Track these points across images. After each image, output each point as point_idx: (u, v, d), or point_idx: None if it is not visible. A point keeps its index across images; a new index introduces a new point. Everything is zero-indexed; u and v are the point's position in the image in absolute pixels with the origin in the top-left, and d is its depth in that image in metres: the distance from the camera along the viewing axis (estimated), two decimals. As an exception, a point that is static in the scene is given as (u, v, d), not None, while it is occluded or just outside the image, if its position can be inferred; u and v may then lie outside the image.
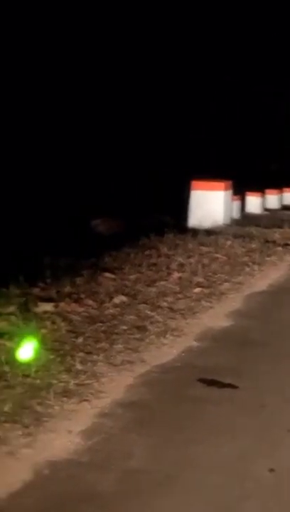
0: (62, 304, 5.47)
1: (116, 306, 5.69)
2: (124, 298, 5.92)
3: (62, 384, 3.93)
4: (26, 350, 4.29)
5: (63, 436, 3.36)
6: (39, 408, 3.60)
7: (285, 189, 19.77)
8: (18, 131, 12.89)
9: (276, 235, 11.00)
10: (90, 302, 5.66)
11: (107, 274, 6.72)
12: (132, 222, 10.81)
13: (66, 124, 13.98)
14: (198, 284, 6.84)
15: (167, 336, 5.08)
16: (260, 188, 17.50)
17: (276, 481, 3.05)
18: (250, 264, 8.22)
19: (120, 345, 4.74)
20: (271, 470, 3.12)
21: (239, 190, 15.09)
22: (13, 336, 4.50)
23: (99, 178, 13.40)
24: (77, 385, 3.96)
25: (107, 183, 13.43)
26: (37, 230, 9.60)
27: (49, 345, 4.52)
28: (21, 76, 13.08)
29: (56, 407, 3.64)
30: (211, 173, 12.61)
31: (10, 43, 12.84)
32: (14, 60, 12.99)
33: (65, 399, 3.75)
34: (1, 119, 12.11)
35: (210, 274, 7.38)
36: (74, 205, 11.57)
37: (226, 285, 7.02)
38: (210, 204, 12.22)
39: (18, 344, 4.36)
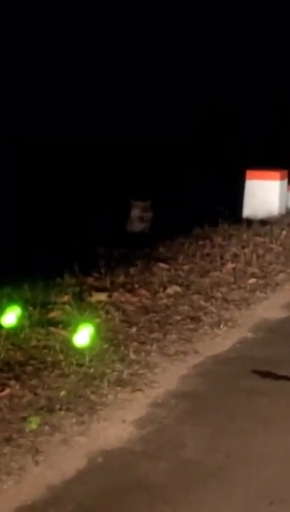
0: (116, 294, 5.49)
1: (169, 296, 5.68)
2: (177, 288, 5.90)
3: (115, 373, 3.95)
4: (81, 340, 4.32)
5: (116, 425, 3.38)
6: (93, 397, 3.63)
7: None
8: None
9: None
10: (144, 292, 5.66)
11: (161, 264, 6.71)
12: (186, 212, 10.76)
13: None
14: (253, 275, 6.77)
15: (221, 326, 5.05)
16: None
17: None
18: (306, 254, 8.10)
19: (174, 336, 4.74)
20: None
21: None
22: (67, 325, 4.54)
23: (150, 166, 13.40)
24: (131, 374, 3.97)
25: (160, 172, 13.40)
26: (88, 220, 9.67)
27: (103, 334, 4.55)
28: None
29: (110, 396, 3.66)
30: (266, 163, 12.46)
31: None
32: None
33: (118, 388, 3.77)
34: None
35: (264, 264, 7.30)
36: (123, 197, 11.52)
37: (281, 276, 6.93)
38: (264, 194, 12.06)
39: (72, 333, 4.40)
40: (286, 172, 12.21)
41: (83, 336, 4.37)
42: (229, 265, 7.02)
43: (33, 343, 4.29)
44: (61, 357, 4.07)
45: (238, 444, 3.25)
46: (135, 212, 10.59)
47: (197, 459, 3.11)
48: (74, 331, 4.43)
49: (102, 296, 5.37)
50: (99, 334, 4.53)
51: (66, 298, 5.19)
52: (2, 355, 4.06)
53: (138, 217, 10.58)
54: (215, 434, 3.36)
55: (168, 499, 2.77)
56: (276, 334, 5.05)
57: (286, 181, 12.47)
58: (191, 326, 4.98)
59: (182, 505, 2.73)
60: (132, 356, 4.24)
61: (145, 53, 15.21)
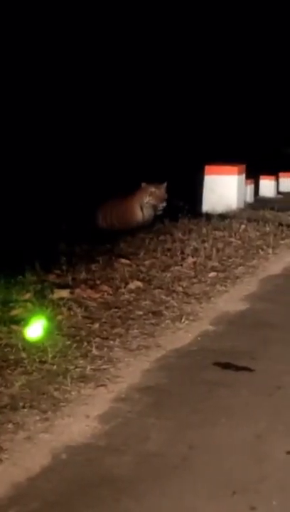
0: (77, 291, 5.50)
1: (131, 291, 5.71)
2: (139, 283, 5.94)
3: (78, 369, 3.96)
4: (43, 337, 4.32)
5: (80, 420, 3.39)
6: (56, 393, 3.63)
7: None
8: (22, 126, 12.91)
9: (290, 218, 10.97)
10: (106, 288, 5.68)
11: (122, 260, 6.74)
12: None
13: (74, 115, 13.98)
14: (213, 269, 6.84)
15: (182, 320, 5.09)
16: (273, 171, 17.41)
17: (292, 462, 3.06)
18: (264, 247, 8.20)
19: (136, 331, 4.77)
20: (289, 452, 3.14)
21: (253, 174, 15.03)
22: (29, 323, 4.53)
23: (110, 163, 13.40)
24: (94, 370, 3.99)
25: (118, 168, 13.41)
26: (50, 218, 9.65)
27: (65, 331, 4.56)
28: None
29: (73, 393, 3.67)
30: (224, 158, 12.56)
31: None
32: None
33: (81, 384, 3.78)
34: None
35: (224, 258, 7.38)
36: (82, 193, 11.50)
37: (241, 269, 7.02)
38: (223, 188, 12.20)
39: (34, 331, 4.40)
40: (243, 166, 12.35)
41: (45, 333, 4.38)
42: (190, 259, 7.08)
43: (-5, 341, 4.28)
44: (23, 354, 4.07)
45: (201, 436, 3.29)
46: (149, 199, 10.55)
47: (162, 451, 3.14)
48: (36, 328, 4.42)
49: (64, 293, 5.37)
50: (62, 331, 4.54)
51: (28, 295, 5.18)
52: None
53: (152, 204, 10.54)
54: (179, 426, 3.39)
55: (133, 492, 2.79)
56: (237, 326, 5.11)
57: (243, 176, 12.61)
58: (153, 321, 5.01)
59: (147, 497, 2.75)
60: (95, 352, 4.26)
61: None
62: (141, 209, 10.73)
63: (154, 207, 10.69)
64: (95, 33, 15.34)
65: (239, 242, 8.36)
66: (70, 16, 14.67)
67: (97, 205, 11.08)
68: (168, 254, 7.28)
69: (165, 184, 10.75)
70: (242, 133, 20.77)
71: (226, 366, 4.21)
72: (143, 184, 10.82)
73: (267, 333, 4.96)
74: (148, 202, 10.68)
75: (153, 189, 10.77)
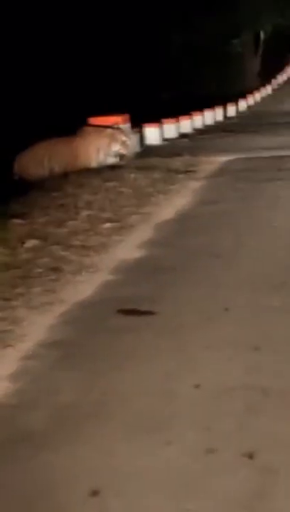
0: (-27, 255, 5.43)
1: (28, 250, 5.69)
2: (35, 241, 5.92)
3: (-17, 333, 3.94)
4: None
5: (-10, 382, 3.40)
6: None
7: (181, 118, 19.81)
8: None
9: (177, 163, 11.10)
10: (2, 250, 5.63)
11: (16, 220, 6.68)
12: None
13: None
14: (107, 220, 6.89)
15: (82, 273, 5.13)
16: (157, 118, 17.47)
17: (202, 395, 3.19)
18: (155, 194, 8.31)
19: (38, 288, 4.77)
20: (197, 386, 3.26)
21: (137, 123, 15.05)
22: None
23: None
24: (-1, 331, 3.98)
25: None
26: None
27: None
28: None
29: (-20, 356, 3.66)
30: (106, 109, 12.50)
31: None
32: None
33: (-12, 347, 3.77)
34: None
35: (117, 208, 7.44)
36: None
37: (134, 217, 7.10)
38: (110, 139, 12.14)
39: None
40: (127, 116, 12.30)
41: None
42: (84, 213, 7.10)
43: None
44: None
45: (112, 382, 3.36)
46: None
47: (75, 402, 3.20)
48: None
49: None
50: None
51: None
52: None
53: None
54: (89, 376, 3.45)
55: (50, 446, 2.84)
56: (136, 273, 5.21)
57: (128, 125, 12.60)
58: (53, 277, 5.03)
59: (64, 447, 2.81)
60: (-2, 314, 4.24)
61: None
62: (98, 153, 10.24)
63: (121, 156, 10.35)
64: None
65: (131, 191, 8.43)
66: None
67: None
68: (62, 209, 7.26)
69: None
70: (121, 82, 20.64)
71: (129, 313, 4.30)
72: (109, 130, 10.35)
73: (165, 276, 5.07)
74: (117, 151, 10.28)
75: (124, 138, 10.37)
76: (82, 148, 10.32)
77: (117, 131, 10.36)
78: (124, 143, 10.39)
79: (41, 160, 10.28)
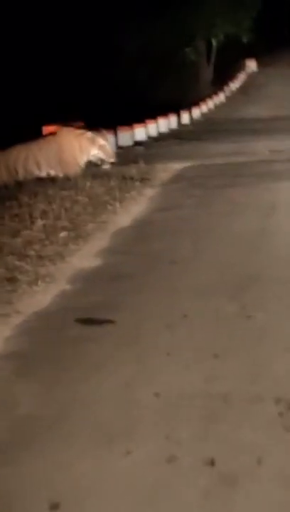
0: None
1: (-18, 261, 5.60)
2: (-11, 252, 5.83)
3: None
4: None
5: None
6: None
7: (136, 125, 19.84)
8: None
9: (133, 170, 11.09)
10: None
11: None
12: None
13: None
14: (63, 228, 6.83)
15: (39, 283, 5.07)
16: (112, 125, 17.45)
17: (162, 403, 3.17)
18: (112, 202, 8.28)
19: (-7, 299, 4.70)
20: (156, 394, 3.24)
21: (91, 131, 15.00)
22: None
23: None
24: None
25: None
26: None
27: None
28: None
29: None
30: (60, 117, 12.45)
31: None
32: None
33: None
34: None
35: (73, 217, 7.39)
36: None
37: (91, 226, 7.06)
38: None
39: None
40: (81, 125, 12.27)
41: None
42: (39, 222, 7.03)
43: None
44: None
45: (72, 393, 3.32)
46: None
47: (34, 414, 3.15)
48: None
49: None
50: None
51: None
52: None
53: None
54: (48, 387, 3.40)
55: (8, 458, 2.79)
56: (93, 282, 5.17)
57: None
58: (9, 288, 4.96)
59: (22, 460, 2.76)
60: None
61: None
62: (82, 155, 10.05)
63: (101, 161, 10.24)
64: None
65: (87, 199, 8.38)
66: None
67: None
68: (16, 219, 7.18)
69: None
70: (75, 90, 20.59)
71: (87, 322, 4.26)
72: (89, 133, 10.17)
73: (123, 284, 5.04)
74: (96, 155, 10.14)
75: (102, 142, 10.23)
76: (66, 151, 10.17)
77: (97, 135, 10.30)
78: (102, 147, 10.34)
79: (13, 166, 10.09)
